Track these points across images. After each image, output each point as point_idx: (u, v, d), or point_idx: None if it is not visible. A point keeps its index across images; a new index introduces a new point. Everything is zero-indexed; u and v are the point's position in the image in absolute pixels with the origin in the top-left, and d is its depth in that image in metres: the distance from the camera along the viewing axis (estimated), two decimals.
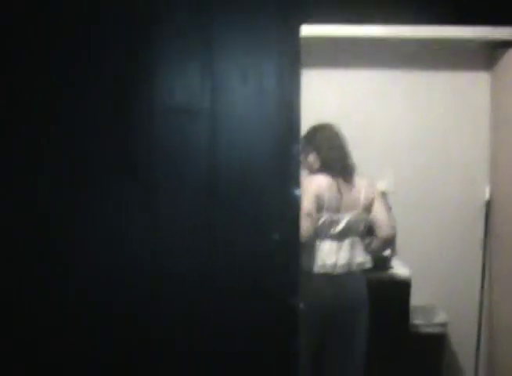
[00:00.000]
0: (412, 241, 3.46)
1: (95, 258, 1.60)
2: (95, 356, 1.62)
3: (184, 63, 1.55)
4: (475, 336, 3.56)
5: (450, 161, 3.52)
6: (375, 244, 2.85)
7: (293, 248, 1.62)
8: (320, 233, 2.68)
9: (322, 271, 2.67)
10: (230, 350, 1.63)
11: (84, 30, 1.55)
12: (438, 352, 3.28)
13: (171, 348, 1.62)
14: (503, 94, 3.35)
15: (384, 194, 3.19)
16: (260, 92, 1.55)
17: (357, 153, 2.84)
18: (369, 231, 2.84)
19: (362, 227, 2.77)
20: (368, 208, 2.76)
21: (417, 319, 3.26)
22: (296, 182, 1.58)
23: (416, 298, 3.23)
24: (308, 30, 1.59)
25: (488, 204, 3.49)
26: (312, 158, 2.76)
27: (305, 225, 2.55)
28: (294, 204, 1.58)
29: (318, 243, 2.69)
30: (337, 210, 2.69)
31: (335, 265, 2.68)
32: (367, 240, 2.86)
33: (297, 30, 1.53)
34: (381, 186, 3.27)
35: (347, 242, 2.71)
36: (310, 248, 2.67)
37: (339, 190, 2.70)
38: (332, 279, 2.68)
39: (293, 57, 1.55)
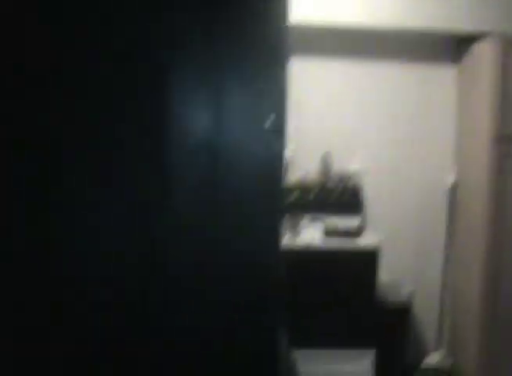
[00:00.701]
0: (380, 219, 3.62)
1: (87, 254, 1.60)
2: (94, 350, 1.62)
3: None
4: (438, 310, 3.75)
5: (418, 149, 3.68)
6: None
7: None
8: None
9: None
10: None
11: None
12: (403, 325, 3.43)
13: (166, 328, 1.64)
14: (468, 86, 3.53)
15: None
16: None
17: (334, 139, 3.03)
18: None
19: None
20: None
21: (384, 293, 3.36)
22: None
23: (383, 273, 3.38)
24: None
25: (453, 189, 3.69)
26: None
27: None
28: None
29: None
30: None
31: None
32: None
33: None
34: (354, 167, 3.52)
35: None
36: None
37: None
38: None
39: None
